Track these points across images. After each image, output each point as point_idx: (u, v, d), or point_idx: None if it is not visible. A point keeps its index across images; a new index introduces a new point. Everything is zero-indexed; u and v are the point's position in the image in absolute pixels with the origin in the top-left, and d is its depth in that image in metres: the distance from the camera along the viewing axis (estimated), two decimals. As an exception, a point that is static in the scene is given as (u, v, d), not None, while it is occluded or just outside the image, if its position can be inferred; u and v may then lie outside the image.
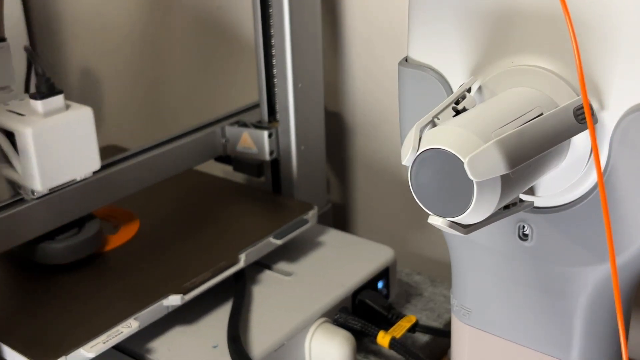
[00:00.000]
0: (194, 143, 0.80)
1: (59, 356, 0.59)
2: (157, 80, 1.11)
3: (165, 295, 0.65)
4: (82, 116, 0.68)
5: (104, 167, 0.72)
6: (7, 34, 1.01)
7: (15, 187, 0.69)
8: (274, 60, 0.81)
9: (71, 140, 0.67)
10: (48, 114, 0.66)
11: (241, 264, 0.71)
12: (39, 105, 0.66)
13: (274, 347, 0.65)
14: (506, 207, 0.44)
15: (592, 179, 0.45)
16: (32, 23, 1.12)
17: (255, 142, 0.82)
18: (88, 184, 0.70)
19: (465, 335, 0.56)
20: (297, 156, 0.83)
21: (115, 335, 0.61)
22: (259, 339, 0.65)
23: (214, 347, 0.65)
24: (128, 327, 0.62)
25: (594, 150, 0.41)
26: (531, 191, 0.47)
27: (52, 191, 0.68)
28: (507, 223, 0.49)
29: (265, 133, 0.81)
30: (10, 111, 0.67)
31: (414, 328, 0.71)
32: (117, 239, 0.76)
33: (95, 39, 1.14)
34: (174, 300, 0.65)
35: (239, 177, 0.93)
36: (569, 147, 0.44)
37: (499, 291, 0.52)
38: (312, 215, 0.78)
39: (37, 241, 0.69)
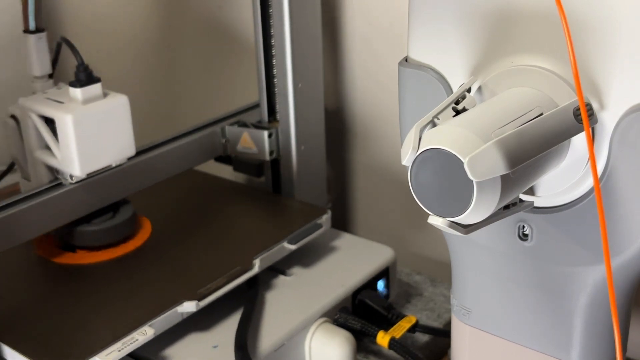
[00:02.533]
0: (194, 143, 0.80)
1: None
2: (157, 81, 1.11)
3: (180, 301, 0.65)
4: (119, 104, 0.71)
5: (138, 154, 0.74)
6: (7, 34, 1.01)
7: (53, 172, 0.71)
8: (274, 60, 0.81)
9: (109, 127, 0.70)
10: (87, 101, 0.69)
11: (255, 269, 0.70)
12: (78, 92, 0.69)
13: (274, 347, 0.65)
14: (506, 207, 0.44)
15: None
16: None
17: (255, 142, 0.82)
18: (123, 169, 0.72)
19: (465, 335, 0.56)
20: (297, 156, 0.83)
21: (131, 343, 0.60)
22: (259, 338, 0.65)
23: (214, 347, 0.65)
24: (143, 335, 0.61)
25: (590, 151, 0.41)
26: (531, 191, 0.47)
27: (90, 176, 0.70)
28: (507, 223, 0.49)
29: (265, 133, 0.81)
30: (49, 99, 0.70)
31: (414, 328, 0.71)
32: (131, 244, 0.76)
33: (95, 40, 1.14)
34: (189, 306, 0.65)
35: (239, 177, 0.93)
36: (568, 147, 0.44)
37: (499, 291, 0.52)
38: (325, 219, 0.77)
39: (75, 225, 0.72)
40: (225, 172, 0.90)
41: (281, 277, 0.75)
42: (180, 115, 1.10)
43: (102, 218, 0.74)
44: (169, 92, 1.10)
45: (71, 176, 0.69)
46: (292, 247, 0.73)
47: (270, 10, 0.79)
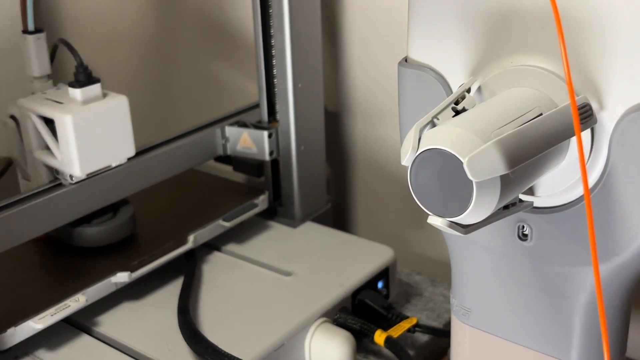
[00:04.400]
0: (194, 143, 0.80)
1: (9, 327, 0.62)
2: (157, 81, 1.11)
3: (113, 272, 0.69)
4: (119, 104, 0.71)
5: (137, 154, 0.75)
6: (7, 34, 1.01)
7: (53, 172, 0.72)
8: (274, 60, 0.81)
9: (108, 128, 0.70)
10: (86, 101, 0.69)
11: (190, 244, 0.74)
12: (78, 93, 0.69)
13: (274, 347, 0.65)
14: (506, 207, 0.44)
15: (592, 179, 0.45)
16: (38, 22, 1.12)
17: (255, 142, 0.82)
18: (122, 170, 0.73)
19: (465, 335, 0.56)
20: (297, 156, 0.83)
21: (64, 309, 0.64)
22: (259, 339, 0.66)
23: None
24: (76, 302, 0.66)
25: (579, 151, 0.41)
26: (531, 191, 0.47)
27: (89, 176, 0.70)
28: (507, 223, 0.49)
29: (265, 133, 0.81)
30: (48, 99, 0.71)
31: (414, 328, 0.71)
32: None
33: (95, 39, 1.14)
34: (122, 277, 0.69)
35: (239, 177, 0.93)
36: (568, 147, 0.44)
37: (499, 291, 0.52)
38: (262, 199, 0.81)
39: (74, 225, 0.73)
40: (226, 172, 0.90)
41: (281, 277, 0.75)
42: (180, 115, 1.10)
43: (103, 218, 0.74)
44: (168, 92, 1.10)
45: (71, 176, 0.69)
46: (227, 224, 0.77)
47: (270, 10, 0.79)
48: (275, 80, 0.82)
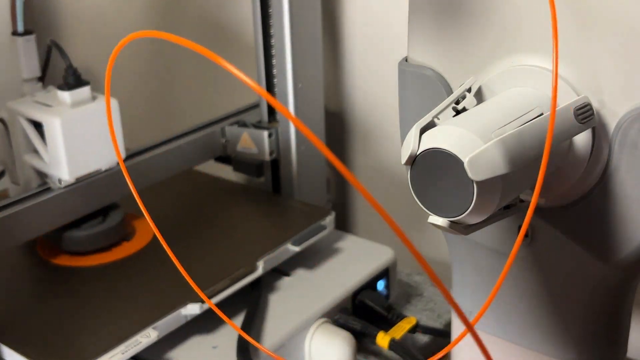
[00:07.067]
0: (194, 143, 0.80)
1: None
2: (157, 81, 1.11)
3: (183, 303, 0.64)
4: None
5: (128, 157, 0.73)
6: (6, 34, 1.01)
7: (42, 176, 0.70)
8: (274, 60, 0.81)
9: (98, 131, 0.69)
10: (75, 104, 0.68)
11: (259, 271, 0.70)
12: (66, 96, 0.68)
13: (274, 347, 0.65)
14: (506, 207, 0.44)
15: (592, 178, 0.45)
16: (31, 23, 1.12)
17: (255, 142, 0.82)
18: (113, 173, 0.71)
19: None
20: (297, 156, 0.83)
21: (134, 346, 0.60)
22: (259, 339, 0.65)
23: (214, 347, 0.65)
24: (147, 337, 0.61)
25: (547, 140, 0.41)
26: (532, 191, 0.47)
27: (79, 180, 0.69)
28: (507, 223, 0.49)
29: (265, 133, 0.81)
30: (37, 102, 0.69)
31: (414, 329, 0.71)
32: (133, 246, 0.75)
33: (94, 39, 1.14)
34: (193, 308, 0.64)
35: (239, 177, 0.93)
36: (569, 147, 0.44)
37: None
38: (329, 220, 0.77)
39: (64, 229, 0.71)
40: (225, 172, 0.90)
41: (281, 278, 0.75)
42: (180, 115, 1.10)
43: (92, 222, 0.72)
44: (168, 93, 1.10)
45: (60, 180, 0.68)
46: (296, 248, 0.73)
47: (270, 10, 0.79)
48: (275, 80, 0.82)
